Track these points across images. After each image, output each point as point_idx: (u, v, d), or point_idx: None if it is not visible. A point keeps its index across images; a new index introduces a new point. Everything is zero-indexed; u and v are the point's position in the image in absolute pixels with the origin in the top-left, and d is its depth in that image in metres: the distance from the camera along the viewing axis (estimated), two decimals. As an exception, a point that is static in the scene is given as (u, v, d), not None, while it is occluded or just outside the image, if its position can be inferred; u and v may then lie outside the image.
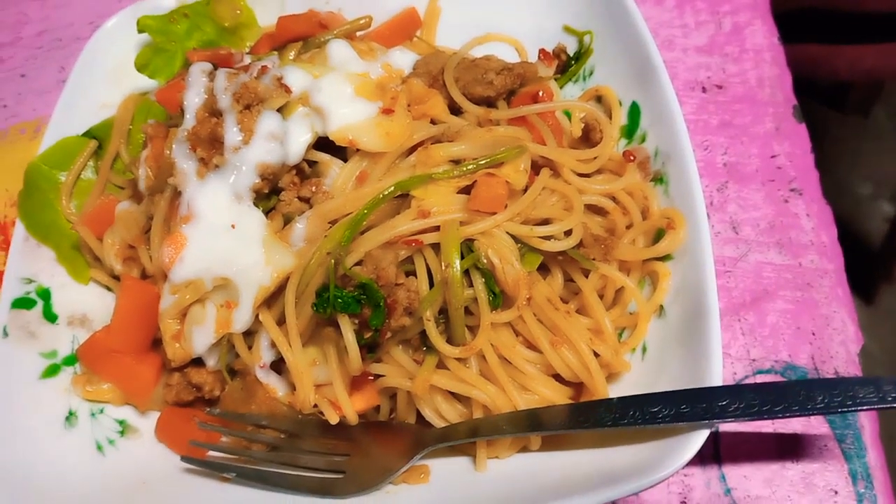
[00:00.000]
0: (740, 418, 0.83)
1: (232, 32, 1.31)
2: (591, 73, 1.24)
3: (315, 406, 1.00)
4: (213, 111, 1.04)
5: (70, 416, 1.05)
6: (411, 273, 0.99)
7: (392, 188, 0.98)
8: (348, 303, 0.93)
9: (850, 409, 0.81)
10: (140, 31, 1.27)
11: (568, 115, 1.18)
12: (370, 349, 0.97)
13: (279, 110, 1.05)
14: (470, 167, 1.00)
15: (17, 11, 1.70)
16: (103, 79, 1.30)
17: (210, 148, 1.02)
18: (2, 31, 1.67)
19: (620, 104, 1.17)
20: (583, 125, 1.15)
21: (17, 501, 0.95)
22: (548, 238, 0.99)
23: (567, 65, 1.26)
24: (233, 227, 1.00)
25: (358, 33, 1.26)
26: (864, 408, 0.80)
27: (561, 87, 1.25)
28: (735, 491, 1.00)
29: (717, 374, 0.87)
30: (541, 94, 1.12)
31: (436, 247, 0.98)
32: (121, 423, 1.07)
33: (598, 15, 1.23)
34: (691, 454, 0.83)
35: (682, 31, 1.40)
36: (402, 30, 1.32)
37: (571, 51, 1.27)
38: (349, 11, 1.34)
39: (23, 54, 1.62)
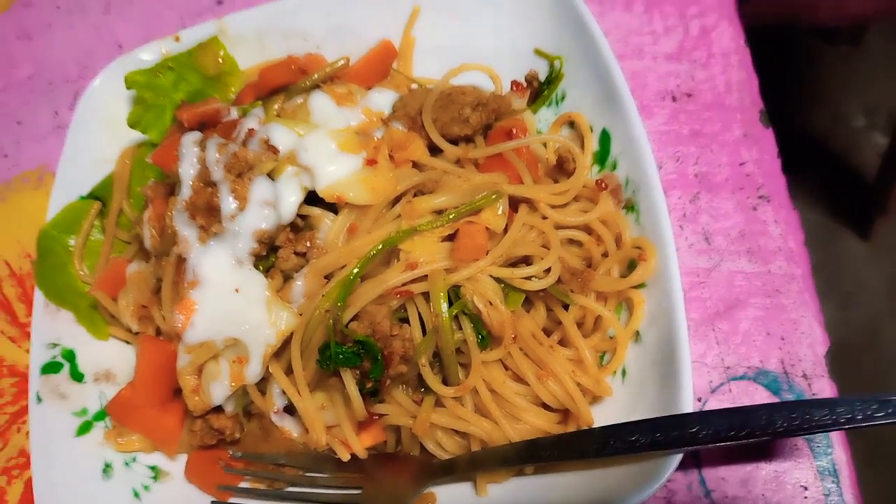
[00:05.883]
0: (709, 444, 0.91)
1: (216, 80, 1.35)
2: (563, 98, 1.28)
3: (327, 444, 1.10)
4: (207, 181, 1.10)
5: (107, 468, 1.14)
6: (405, 319, 1.07)
7: (380, 246, 1.05)
8: (349, 358, 1.01)
9: (807, 431, 0.89)
10: (128, 87, 1.31)
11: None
12: (373, 394, 1.06)
13: (269, 174, 1.11)
14: (451, 216, 1.07)
15: (3, 53, 1.71)
16: (99, 134, 1.34)
17: (208, 216, 1.09)
18: (-8, 75, 1.69)
19: (592, 130, 1.22)
20: (556, 155, 1.21)
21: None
22: (528, 278, 1.07)
23: (540, 90, 1.30)
24: (237, 290, 1.07)
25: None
26: (819, 430, 0.88)
27: (535, 112, 1.30)
28: (714, 493, 1.10)
29: (688, 403, 0.95)
30: (514, 131, 1.18)
31: (426, 294, 1.05)
32: (153, 468, 1.16)
33: (567, 39, 1.26)
34: (666, 477, 0.92)
35: (651, 37, 1.43)
36: (378, 64, 1.35)
37: (543, 75, 1.31)
38: (327, 48, 1.37)
39: (16, 100, 1.65)
